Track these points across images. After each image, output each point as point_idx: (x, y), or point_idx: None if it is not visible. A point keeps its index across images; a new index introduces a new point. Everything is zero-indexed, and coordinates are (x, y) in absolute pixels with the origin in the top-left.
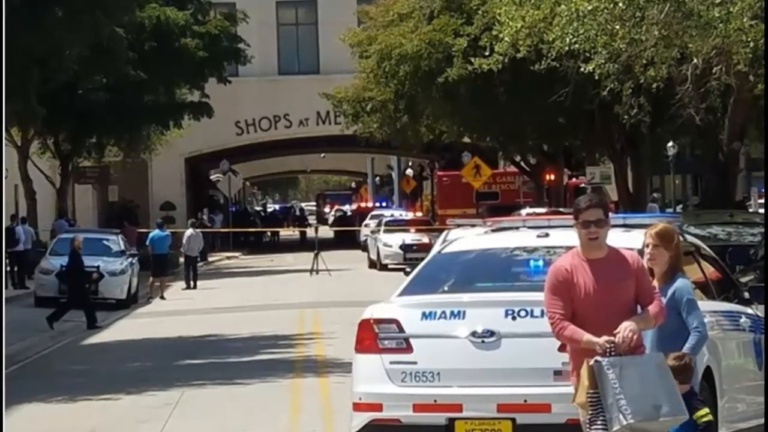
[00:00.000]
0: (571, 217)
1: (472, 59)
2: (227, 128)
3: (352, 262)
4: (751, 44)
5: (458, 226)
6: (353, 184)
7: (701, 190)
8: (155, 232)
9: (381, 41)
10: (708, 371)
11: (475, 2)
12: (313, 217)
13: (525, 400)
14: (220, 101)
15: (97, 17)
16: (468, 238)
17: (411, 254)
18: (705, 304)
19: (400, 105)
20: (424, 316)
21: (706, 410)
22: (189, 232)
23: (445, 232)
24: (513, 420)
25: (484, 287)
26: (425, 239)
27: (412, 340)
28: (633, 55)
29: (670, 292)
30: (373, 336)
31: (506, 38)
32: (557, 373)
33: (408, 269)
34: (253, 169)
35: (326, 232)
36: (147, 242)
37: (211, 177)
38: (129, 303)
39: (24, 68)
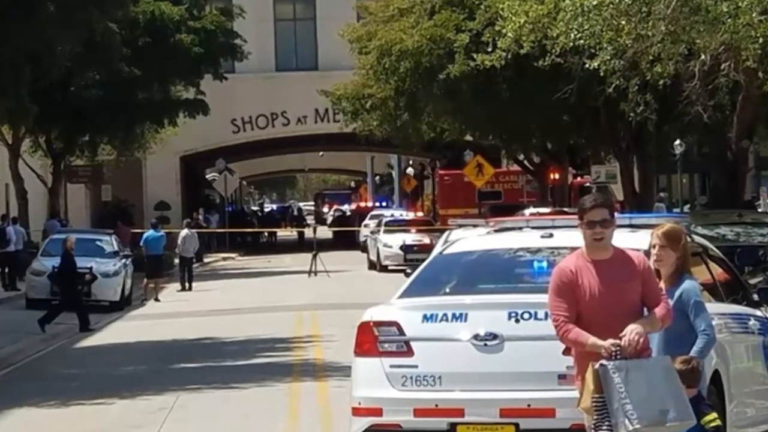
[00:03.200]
0: (575, 217)
1: (475, 55)
2: (223, 126)
3: (351, 263)
4: (760, 40)
5: (460, 226)
6: (352, 184)
7: (709, 189)
8: (149, 233)
9: (381, 37)
10: (716, 375)
11: None
12: (312, 217)
13: (528, 405)
14: (216, 98)
15: (91, 13)
16: (470, 238)
17: (412, 255)
18: (713, 307)
19: (401, 102)
20: (425, 318)
21: (714, 415)
22: (184, 232)
23: (446, 233)
24: (516, 425)
25: (487, 289)
26: (426, 240)
27: (412, 343)
28: (639, 51)
29: (677, 293)
30: (372, 339)
31: (509, 34)
32: (561, 377)
33: (408, 270)
34: (250, 168)
35: (325, 232)
36: (141, 243)
37: (207, 176)
38: (123, 305)
39: (16, 65)
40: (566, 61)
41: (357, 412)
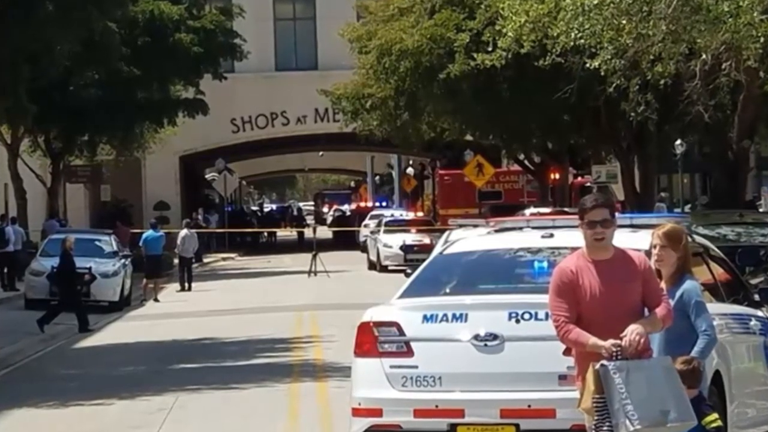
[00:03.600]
0: (576, 217)
1: (475, 55)
2: (223, 126)
3: (351, 263)
4: (762, 39)
5: (460, 226)
6: (352, 184)
7: (710, 189)
8: (149, 233)
9: (381, 36)
10: (717, 375)
11: None
12: (311, 217)
13: (529, 406)
14: (216, 98)
15: (90, 12)
16: (470, 238)
17: (412, 255)
18: (714, 307)
19: (401, 102)
20: (426, 318)
21: (715, 416)
22: (183, 232)
23: (446, 233)
24: (516, 426)
25: (487, 289)
26: (426, 240)
27: (412, 344)
28: (640, 50)
29: (678, 294)
30: (372, 339)
31: (509, 33)
32: (562, 378)
33: (409, 271)
34: (250, 167)
35: (325, 232)
36: (140, 243)
37: (207, 176)
38: (122, 305)
39: (14, 64)
40: (567, 61)
41: (357, 412)
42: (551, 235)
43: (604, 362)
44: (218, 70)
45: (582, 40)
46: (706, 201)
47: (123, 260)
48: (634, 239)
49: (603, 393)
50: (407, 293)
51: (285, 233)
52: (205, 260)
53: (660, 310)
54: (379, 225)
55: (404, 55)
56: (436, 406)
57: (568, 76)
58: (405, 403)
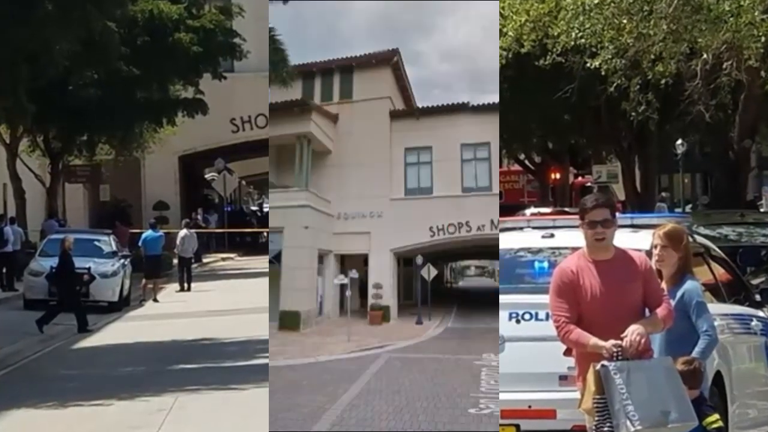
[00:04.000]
0: (576, 217)
1: None
2: (222, 125)
3: None
4: (763, 39)
5: None
6: None
7: (711, 189)
8: (148, 233)
9: None
10: (718, 376)
11: None
12: None
13: (529, 406)
14: (215, 98)
15: (89, 12)
16: None
17: None
18: (715, 307)
19: None
20: None
21: (716, 416)
22: (183, 232)
23: None
24: (517, 426)
25: None
26: None
27: None
28: (641, 50)
29: (678, 294)
30: None
31: (510, 33)
32: (563, 378)
33: None
34: (250, 167)
35: None
36: (139, 243)
37: (206, 176)
38: (121, 306)
39: (13, 64)
40: (567, 60)
41: None
42: (552, 235)
43: (605, 363)
44: (218, 69)
45: (582, 40)
46: (707, 201)
47: (122, 260)
48: (635, 239)
49: (604, 393)
50: None
51: None
52: (205, 260)
53: (661, 311)
54: None
55: None
56: None
57: (568, 76)
58: None
